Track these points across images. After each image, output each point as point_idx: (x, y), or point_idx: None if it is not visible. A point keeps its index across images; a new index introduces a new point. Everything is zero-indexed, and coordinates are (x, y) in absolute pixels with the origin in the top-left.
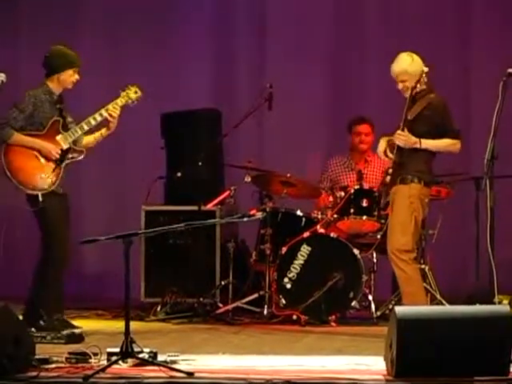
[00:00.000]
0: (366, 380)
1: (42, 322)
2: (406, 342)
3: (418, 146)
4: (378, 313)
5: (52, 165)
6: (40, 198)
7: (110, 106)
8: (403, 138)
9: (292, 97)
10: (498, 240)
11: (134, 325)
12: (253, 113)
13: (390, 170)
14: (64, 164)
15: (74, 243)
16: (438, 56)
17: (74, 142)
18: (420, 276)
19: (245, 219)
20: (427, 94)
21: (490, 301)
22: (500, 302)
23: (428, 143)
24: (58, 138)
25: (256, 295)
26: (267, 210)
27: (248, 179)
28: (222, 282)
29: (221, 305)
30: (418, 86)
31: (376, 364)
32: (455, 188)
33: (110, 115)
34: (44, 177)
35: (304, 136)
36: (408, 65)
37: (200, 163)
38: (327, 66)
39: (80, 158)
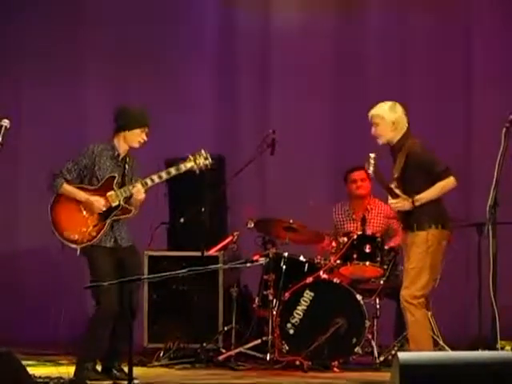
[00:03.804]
0: None
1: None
2: None
3: (413, 206)
4: (381, 358)
5: (95, 220)
6: (78, 252)
7: (172, 170)
8: (399, 206)
9: (295, 143)
10: (501, 286)
11: (136, 370)
12: (255, 159)
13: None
14: (109, 221)
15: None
16: (439, 103)
17: (127, 200)
18: (427, 322)
19: (248, 265)
20: (404, 143)
21: (492, 347)
22: (503, 348)
23: (423, 197)
24: (109, 194)
25: (259, 341)
26: (270, 255)
27: (251, 225)
28: (225, 328)
29: (224, 350)
30: (393, 135)
31: None
32: (456, 234)
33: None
34: (84, 231)
35: (307, 182)
36: (384, 110)
37: (203, 209)
38: (330, 113)
39: (128, 216)
